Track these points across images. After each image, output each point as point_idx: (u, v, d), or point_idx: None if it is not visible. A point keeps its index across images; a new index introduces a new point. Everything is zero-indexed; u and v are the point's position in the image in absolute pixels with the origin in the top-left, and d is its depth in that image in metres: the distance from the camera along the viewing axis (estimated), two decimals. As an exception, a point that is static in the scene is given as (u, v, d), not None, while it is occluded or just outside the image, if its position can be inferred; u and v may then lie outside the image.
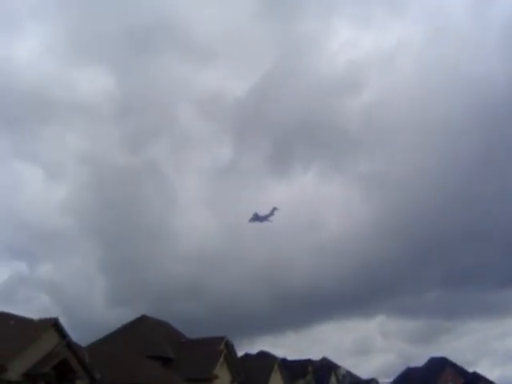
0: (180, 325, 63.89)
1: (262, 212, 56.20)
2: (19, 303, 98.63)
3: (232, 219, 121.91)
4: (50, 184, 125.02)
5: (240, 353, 70.66)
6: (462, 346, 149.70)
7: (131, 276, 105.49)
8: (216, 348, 51.85)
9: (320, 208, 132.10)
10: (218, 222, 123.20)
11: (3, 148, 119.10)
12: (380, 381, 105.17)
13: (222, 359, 51.00)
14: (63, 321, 37.83)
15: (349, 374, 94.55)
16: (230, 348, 56.34)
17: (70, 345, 36.49)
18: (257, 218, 55.87)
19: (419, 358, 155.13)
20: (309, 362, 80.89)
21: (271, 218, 55.83)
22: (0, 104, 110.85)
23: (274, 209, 56.02)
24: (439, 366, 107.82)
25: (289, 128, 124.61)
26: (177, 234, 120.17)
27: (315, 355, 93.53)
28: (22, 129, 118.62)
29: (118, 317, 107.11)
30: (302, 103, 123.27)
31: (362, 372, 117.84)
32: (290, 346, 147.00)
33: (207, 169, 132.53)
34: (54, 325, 35.76)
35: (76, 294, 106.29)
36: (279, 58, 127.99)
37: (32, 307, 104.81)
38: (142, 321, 56.81)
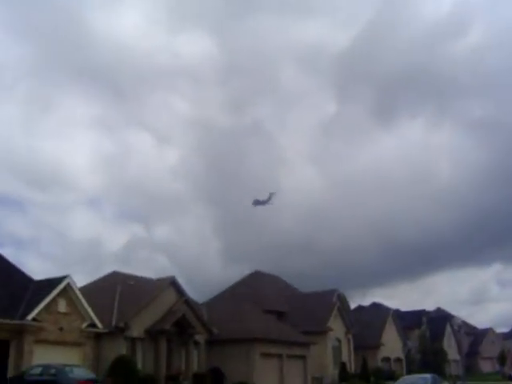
0: (292, 279, 64.58)
1: (261, 197, 60.46)
2: (138, 264, 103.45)
3: (339, 174, 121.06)
4: (161, 149, 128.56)
5: (353, 305, 70.70)
6: None
7: (243, 234, 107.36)
8: (329, 301, 51.93)
9: (430, 156, 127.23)
10: (325, 177, 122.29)
11: (115, 117, 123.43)
12: (497, 330, 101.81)
13: (335, 311, 51.16)
14: (180, 280, 39.23)
15: (464, 323, 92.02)
16: (342, 300, 56.37)
17: (188, 302, 37.71)
18: (258, 202, 59.47)
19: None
20: (423, 312, 79.52)
21: (271, 202, 59.88)
22: (111, 76, 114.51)
23: (272, 194, 59.97)
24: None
25: (393, 77, 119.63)
26: (285, 191, 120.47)
27: (429, 306, 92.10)
28: (131, 97, 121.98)
29: (232, 274, 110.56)
30: (407, 50, 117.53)
31: (478, 322, 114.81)
32: (403, 298, 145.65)
33: (312, 125, 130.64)
34: (172, 283, 37.04)
35: (191, 254, 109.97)
36: (381, 6, 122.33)
37: (150, 268, 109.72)
38: (255, 276, 57.81)
